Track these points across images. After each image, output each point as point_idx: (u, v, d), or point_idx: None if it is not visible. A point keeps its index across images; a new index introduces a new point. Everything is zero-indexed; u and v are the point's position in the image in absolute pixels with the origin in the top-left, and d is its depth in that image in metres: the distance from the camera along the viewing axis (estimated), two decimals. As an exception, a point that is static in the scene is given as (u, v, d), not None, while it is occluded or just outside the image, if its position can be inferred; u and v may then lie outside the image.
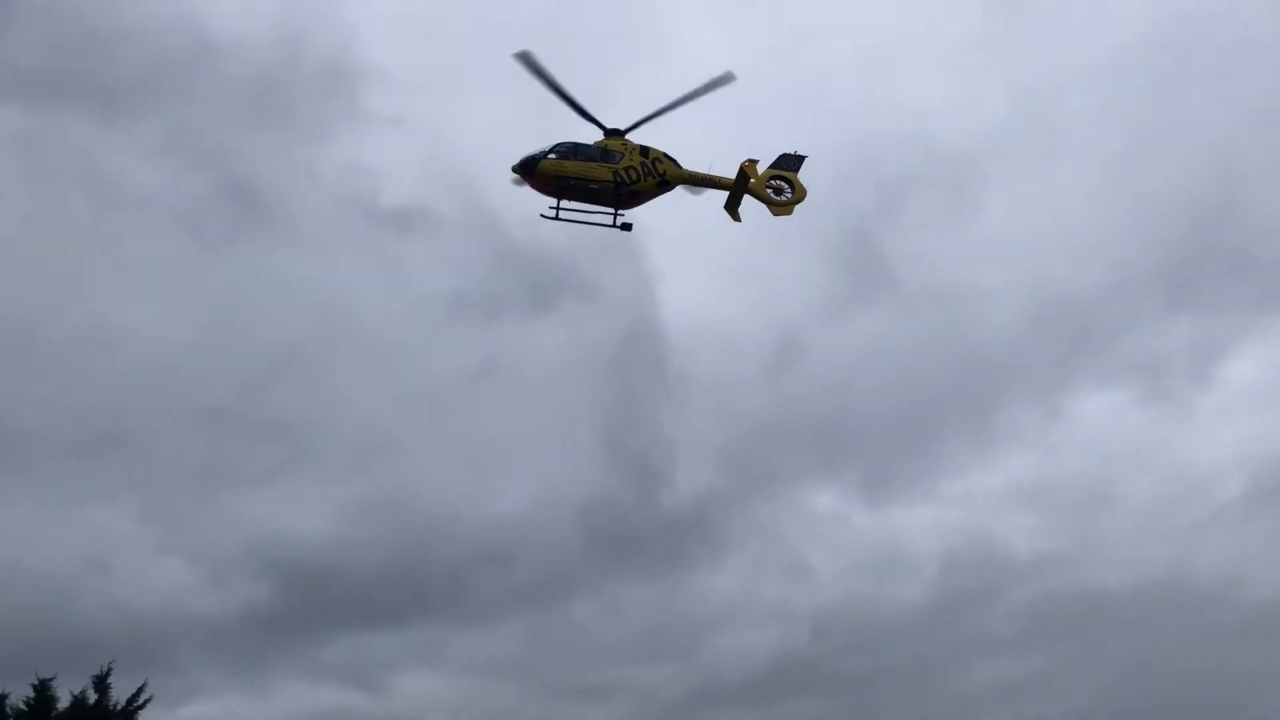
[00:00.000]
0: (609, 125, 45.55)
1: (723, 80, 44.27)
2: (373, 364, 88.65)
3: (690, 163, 45.77)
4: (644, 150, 46.05)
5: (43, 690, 44.74)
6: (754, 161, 46.73)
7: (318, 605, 78.28)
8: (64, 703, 45.01)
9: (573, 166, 44.93)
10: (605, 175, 45.03)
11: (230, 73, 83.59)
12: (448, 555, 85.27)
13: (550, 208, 45.57)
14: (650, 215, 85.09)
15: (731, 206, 47.41)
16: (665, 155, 46.38)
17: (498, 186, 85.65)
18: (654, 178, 45.87)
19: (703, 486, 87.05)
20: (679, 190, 45.71)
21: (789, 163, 47.37)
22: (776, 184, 47.01)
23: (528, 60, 43.50)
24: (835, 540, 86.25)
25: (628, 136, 45.80)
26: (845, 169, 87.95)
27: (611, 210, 46.01)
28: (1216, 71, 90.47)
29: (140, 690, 45.40)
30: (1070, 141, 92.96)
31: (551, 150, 45.41)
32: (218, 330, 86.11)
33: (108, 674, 45.39)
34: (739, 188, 46.86)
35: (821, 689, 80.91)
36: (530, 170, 45.22)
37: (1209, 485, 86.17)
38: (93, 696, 45.48)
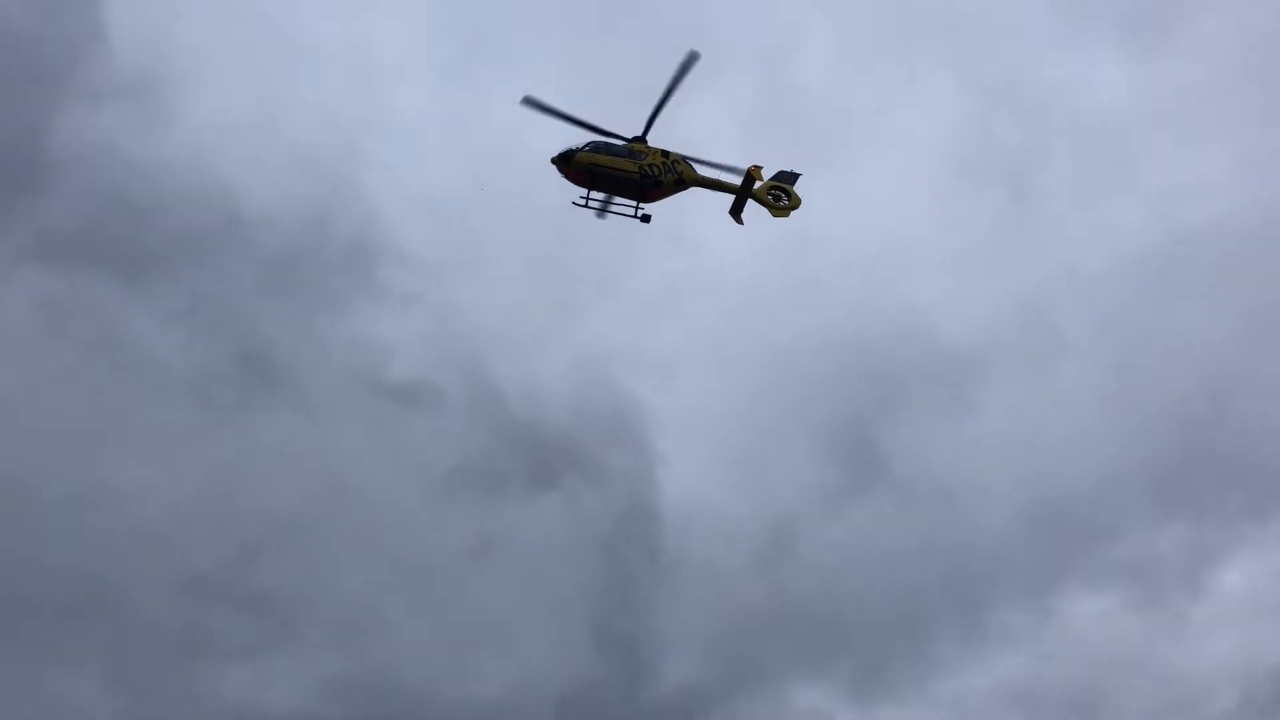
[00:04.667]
0: (631, 135, 59.75)
1: (690, 59, 56.53)
2: (368, 537, 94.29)
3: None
4: (665, 153, 60.01)
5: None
6: (759, 167, 61.05)
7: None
8: None
9: (604, 159, 58.71)
10: (632, 168, 58.93)
11: (255, 245, 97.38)
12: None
13: (581, 197, 59.48)
14: (658, 395, 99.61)
15: (736, 210, 61.34)
16: (683, 158, 60.35)
17: (505, 365, 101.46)
18: (673, 175, 59.76)
19: (687, 678, 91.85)
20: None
21: (786, 177, 62.06)
22: (775, 193, 61.39)
23: (533, 103, 56.93)
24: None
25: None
26: (846, 363, 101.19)
27: (634, 203, 60.17)
28: (1209, 284, 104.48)
29: None
30: (1067, 347, 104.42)
31: (586, 145, 59.15)
32: (214, 497, 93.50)
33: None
34: (745, 190, 60.49)
35: None
36: (567, 160, 58.62)
37: (1201, 697, 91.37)
38: None
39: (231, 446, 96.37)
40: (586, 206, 60.11)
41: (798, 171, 62.52)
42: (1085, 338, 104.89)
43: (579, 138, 59.86)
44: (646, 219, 60.78)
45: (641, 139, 60.24)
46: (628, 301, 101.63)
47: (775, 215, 61.18)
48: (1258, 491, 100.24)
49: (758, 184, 62.01)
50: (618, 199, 60.37)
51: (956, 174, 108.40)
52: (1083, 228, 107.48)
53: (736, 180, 61.44)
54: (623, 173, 59.62)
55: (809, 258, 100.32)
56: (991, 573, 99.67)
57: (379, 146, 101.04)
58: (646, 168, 59.68)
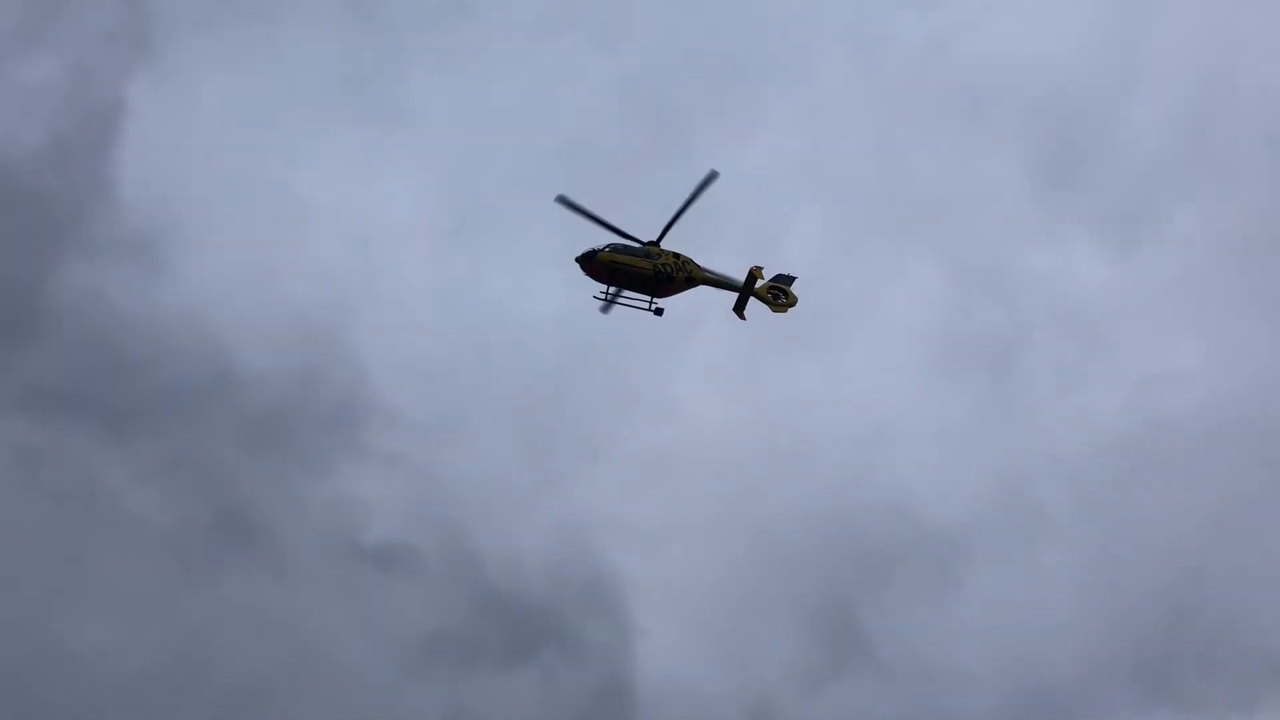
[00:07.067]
0: (645, 239, 70.33)
1: (709, 178, 67.96)
2: (335, 704, 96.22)
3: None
4: (676, 255, 70.68)
5: None
6: (760, 268, 71.31)
7: None
8: None
9: (623, 258, 69.64)
10: (647, 266, 69.91)
11: (241, 403, 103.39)
12: None
13: (602, 292, 70.24)
14: (639, 566, 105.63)
15: (739, 307, 71.23)
16: (691, 260, 71.02)
17: (485, 532, 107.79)
18: (683, 273, 70.43)
19: None
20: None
21: (784, 279, 72.39)
22: (775, 292, 71.73)
23: (566, 202, 67.82)
24: None
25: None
26: (830, 539, 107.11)
27: (648, 299, 70.87)
28: (1186, 472, 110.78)
29: None
30: (1049, 530, 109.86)
31: (607, 246, 69.89)
32: (180, 659, 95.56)
33: None
34: (747, 288, 70.41)
35: None
36: (590, 259, 69.31)
37: None
38: None
39: (199, 607, 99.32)
40: (606, 300, 70.58)
41: (795, 275, 73.20)
42: (1066, 521, 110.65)
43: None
44: (659, 312, 71.31)
45: (655, 243, 71.07)
46: (612, 471, 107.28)
47: (774, 311, 71.58)
48: (1239, 682, 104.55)
49: (759, 282, 71.89)
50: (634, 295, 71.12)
51: (941, 356, 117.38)
52: (1062, 412, 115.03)
53: (740, 280, 71.70)
54: (639, 270, 70.60)
55: (796, 433, 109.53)
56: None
57: (373, 308, 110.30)
58: (660, 266, 70.41)
